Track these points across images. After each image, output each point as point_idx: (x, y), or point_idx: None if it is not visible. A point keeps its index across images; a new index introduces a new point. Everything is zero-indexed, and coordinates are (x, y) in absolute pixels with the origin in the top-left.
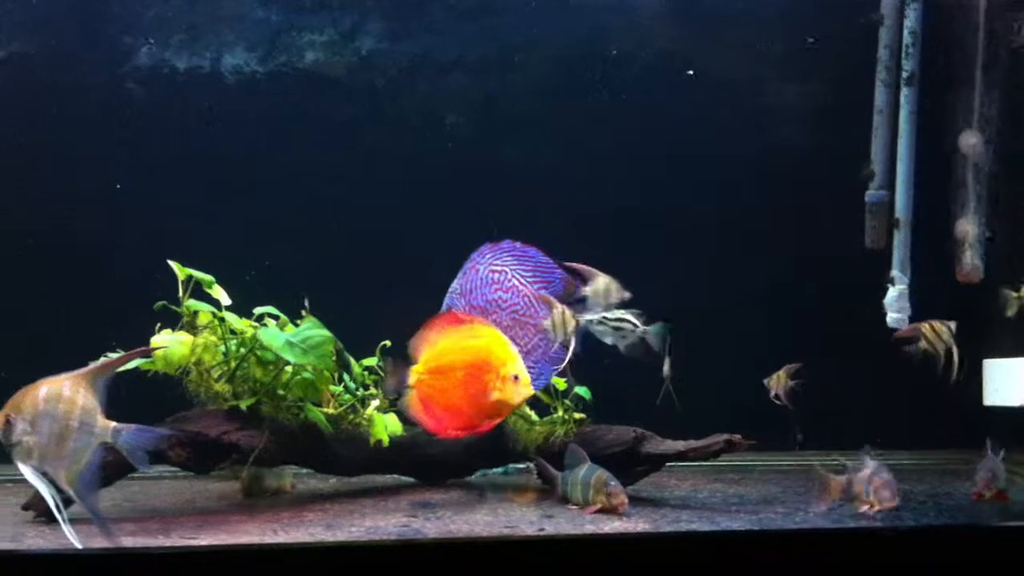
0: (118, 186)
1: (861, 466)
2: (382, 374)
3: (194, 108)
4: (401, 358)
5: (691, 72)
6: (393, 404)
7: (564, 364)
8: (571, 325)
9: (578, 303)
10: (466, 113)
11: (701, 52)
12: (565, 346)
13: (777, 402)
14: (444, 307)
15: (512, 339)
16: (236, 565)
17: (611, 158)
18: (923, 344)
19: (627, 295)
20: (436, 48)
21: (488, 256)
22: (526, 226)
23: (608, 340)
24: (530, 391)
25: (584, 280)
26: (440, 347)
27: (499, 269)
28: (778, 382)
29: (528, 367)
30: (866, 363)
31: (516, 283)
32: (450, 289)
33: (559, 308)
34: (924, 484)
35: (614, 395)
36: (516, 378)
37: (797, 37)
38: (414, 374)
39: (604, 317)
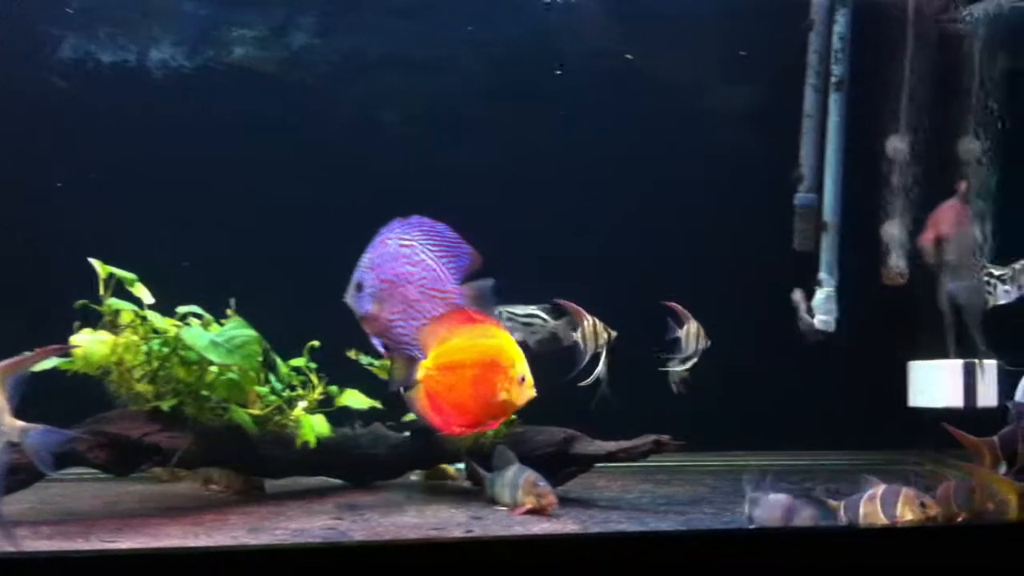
0: (59, 184)
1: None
2: (309, 375)
3: (120, 103)
4: (401, 356)
5: (630, 56)
6: (321, 405)
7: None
8: (603, 337)
9: (481, 285)
10: (401, 110)
11: (637, 54)
12: (596, 357)
13: (676, 388)
14: (354, 282)
15: (419, 312)
16: (156, 569)
17: (544, 159)
18: None
19: (709, 343)
20: (369, 45)
21: (397, 231)
22: (459, 223)
23: (517, 336)
24: (534, 392)
25: (680, 322)
26: (451, 344)
27: (408, 243)
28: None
29: None
30: (795, 365)
31: (424, 257)
32: (359, 263)
33: (589, 320)
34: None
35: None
36: (523, 379)
37: (732, 41)
38: (423, 369)
39: (513, 312)
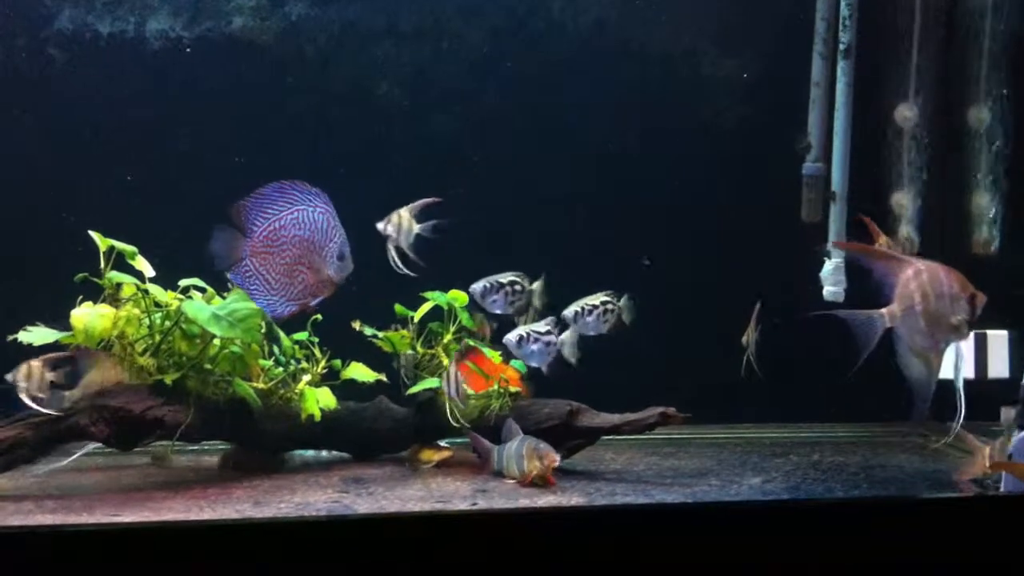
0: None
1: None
2: (313, 348)
3: (115, 74)
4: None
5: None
6: (326, 378)
7: None
8: None
9: None
10: (399, 83)
11: (638, 24)
12: None
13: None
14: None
15: None
16: (159, 542)
17: (541, 131)
18: None
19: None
20: (367, 15)
21: None
22: (455, 195)
23: (591, 332)
24: None
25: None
26: None
27: None
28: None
29: None
30: (802, 336)
31: None
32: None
33: None
34: (857, 456)
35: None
36: None
37: (735, 9)
38: None
39: (589, 305)
